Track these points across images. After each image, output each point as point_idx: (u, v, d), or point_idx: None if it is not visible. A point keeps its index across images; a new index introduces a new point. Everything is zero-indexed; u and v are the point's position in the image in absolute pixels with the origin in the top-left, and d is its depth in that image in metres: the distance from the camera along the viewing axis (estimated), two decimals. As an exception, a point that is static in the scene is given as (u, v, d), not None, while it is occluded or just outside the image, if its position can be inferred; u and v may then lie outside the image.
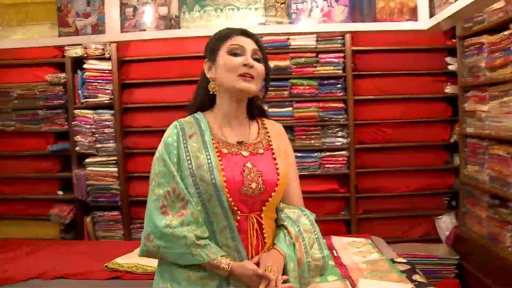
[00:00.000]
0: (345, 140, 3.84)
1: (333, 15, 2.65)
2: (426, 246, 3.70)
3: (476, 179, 3.36)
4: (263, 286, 1.32)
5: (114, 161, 3.89)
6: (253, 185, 1.42)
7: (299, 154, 3.84)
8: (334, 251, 2.51)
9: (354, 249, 2.54)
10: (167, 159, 1.42)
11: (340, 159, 3.84)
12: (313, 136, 3.86)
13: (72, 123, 3.90)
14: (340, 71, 3.81)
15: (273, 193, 1.45)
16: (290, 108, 3.85)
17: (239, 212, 1.42)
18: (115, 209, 3.91)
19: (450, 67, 3.78)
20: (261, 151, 1.49)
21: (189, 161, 1.41)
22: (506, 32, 2.90)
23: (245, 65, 1.42)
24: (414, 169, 3.88)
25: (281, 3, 2.66)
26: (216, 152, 1.44)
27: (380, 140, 3.88)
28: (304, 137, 3.86)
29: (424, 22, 2.61)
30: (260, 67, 1.46)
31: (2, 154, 4.05)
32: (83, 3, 2.73)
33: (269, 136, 1.55)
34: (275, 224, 1.53)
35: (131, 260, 2.50)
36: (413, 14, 2.64)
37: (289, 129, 3.87)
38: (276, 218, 1.54)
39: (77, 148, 3.91)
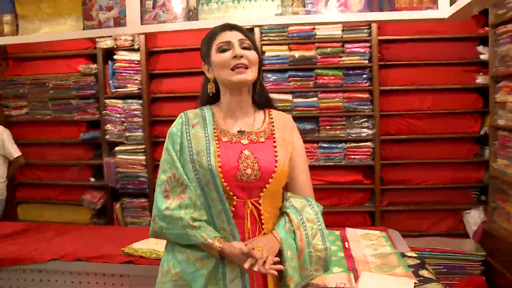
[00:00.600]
0: (370, 131, 3.78)
1: (350, 4, 2.59)
2: (452, 241, 3.61)
3: (506, 173, 3.23)
4: (248, 264, 1.36)
5: (142, 150, 4.01)
6: (249, 171, 1.48)
7: (324, 145, 3.84)
8: (346, 243, 2.49)
9: (367, 242, 2.51)
10: (170, 148, 1.52)
11: (365, 150, 3.80)
12: (338, 127, 3.83)
13: (103, 112, 4.05)
14: (366, 61, 3.75)
15: (270, 180, 1.49)
16: (315, 99, 3.82)
17: (235, 197, 1.48)
18: (142, 196, 4.04)
19: (482, 57, 3.63)
20: (262, 139, 1.56)
21: (190, 148, 1.50)
22: (539, 19, 2.76)
23: (234, 57, 1.49)
24: (442, 162, 3.77)
25: (298, -7, 2.64)
26: (216, 140, 1.51)
27: (406, 131, 3.79)
28: (329, 127, 3.83)
29: (445, 10, 2.51)
30: (251, 54, 1.52)
31: (39, 142, 4.27)
32: (106, -3, 2.81)
33: (273, 126, 1.60)
34: (280, 213, 1.58)
35: (147, 245, 2.58)
36: (433, 2, 2.55)
37: (314, 119, 3.86)
38: (281, 206, 1.59)
39: (107, 137, 4.06)
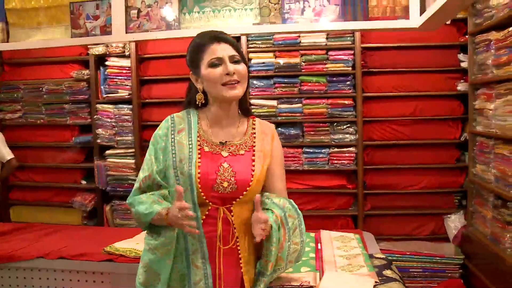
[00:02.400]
0: (353, 137, 3.87)
1: (325, 14, 2.70)
2: (433, 244, 3.69)
3: (483, 179, 3.31)
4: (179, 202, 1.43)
5: (132, 153, 4.11)
6: (225, 184, 1.56)
7: (308, 150, 3.92)
8: (319, 244, 2.57)
9: (338, 244, 2.59)
10: (152, 149, 1.62)
11: (349, 155, 3.88)
12: (322, 132, 3.92)
13: (95, 116, 4.16)
14: (350, 68, 3.84)
15: (244, 192, 1.57)
16: (300, 105, 3.91)
17: (210, 203, 1.57)
18: (132, 198, 4.13)
19: (463, 64, 3.72)
20: (242, 152, 1.62)
21: (173, 154, 1.57)
22: (510, 29, 2.84)
23: (227, 74, 1.55)
24: (424, 167, 3.85)
25: (275, 4, 2.74)
26: (198, 148, 1.58)
27: (389, 137, 3.87)
28: (313, 133, 3.92)
29: (415, 19, 2.60)
30: (241, 68, 1.58)
31: (33, 145, 4.38)
32: (93, 7, 2.92)
33: (254, 137, 1.67)
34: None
35: (128, 245, 2.69)
36: (405, 12, 2.64)
37: (298, 125, 3.95)
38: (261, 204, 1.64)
39: (98, 141, 4.17)
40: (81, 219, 4.21)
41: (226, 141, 1.62)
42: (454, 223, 3.70)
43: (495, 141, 3.13)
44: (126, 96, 4.11)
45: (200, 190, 1.54)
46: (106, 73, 4.13)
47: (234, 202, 1.58)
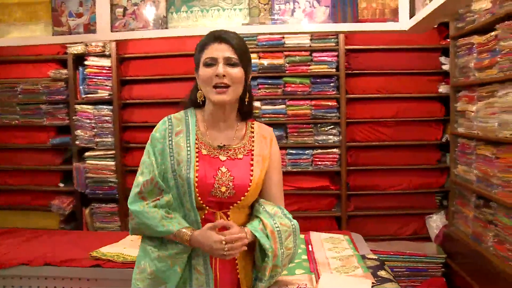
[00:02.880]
0: (337, 138, 3.89)
1: (315, 15, 2.70)
2: (415, 244, 3.74)
3: (465, 179, 3.38)
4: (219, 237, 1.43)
5: (112, 155, 4.02)
6: (223, 188, 1.53)
7: (291, 151, 3.91)
8: (310, 246, 2.57)
9: (329, 245, 2.59)
10: (151, 151, 1.57)
11: (332, 156, 3.90)
12: (305, 134, 3.92)
13: (73, 117, 4.04)
14: (334, 70, 3.86)
15: (242, 197, 1.55)
16: (284, 106, 3.91)
17: (207, 207, 1.54)
18: (112, 201, 4.05)
19: (444, 67, 3.79)
20: (240, 156, 1.60)
21: (171, 157, 1.54)
22: (492, 33, 2.91)
23: (217, 75, 1.51)
24: (407, 168, 3.90)
25: (265, 4, 2.72)
26: (196, 151, 1.55)
27: (372, 138, 3.91)
28: (296, 134, 3.92)
29: (405, 22, 2.63)
30: (234, 72, 1.52)
31: (7, 147, 4.21)
32: (76, 4, 2.83)
33: (253, 142, 1.64)
34: (250, 218, 1.64)
35: (114, 249, 2.62)
36: (394, 15, 2.67)
37: (282, 126, 3.94)
38: (252, 212, 1.65)
39: (77, 142, 4.06)
40: (58, 223, 4.07)
41: (224, 145, 1.59)
42: (436, 222, 3.77)
43: (477, 143, 3.21)
44: (106, 97, 4.01)
45: (198, 194, 1.52)
46: (85, 73, 4.02)
47: (231, 207, 1.56)
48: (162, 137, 1.57)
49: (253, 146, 1.63)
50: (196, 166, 1.53)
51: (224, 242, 1.43)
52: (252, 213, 1.66)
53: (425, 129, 3.88)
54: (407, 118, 3.87)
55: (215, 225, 1.46)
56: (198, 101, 1.61)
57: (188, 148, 1.55)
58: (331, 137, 3.90)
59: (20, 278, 2.58)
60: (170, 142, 1.56)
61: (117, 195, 4.01)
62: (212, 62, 1.52)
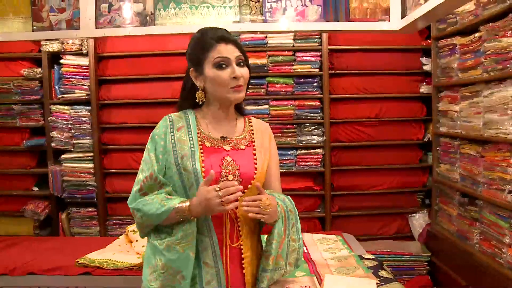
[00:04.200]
0: (320, 138, 3.88)
1: (307, 14, 2.67)
2: (399, 243, 3.77)
3: (448, 178, 3.43)
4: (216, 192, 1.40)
5: (90, 157, 3.88)
6: (230, 177, 1.53)
7: (275, 152, 3.87)
8: (304, 247, 2.54)
9: (324, 246, 2.58)
10: (151, 148, 1.56)
11: (316, 157, 3.89)
12: (289, 134, 3.90)
13: (48, 118, 3.87)
14: (317, 70, 3.85)
15: (249, 186, 1.55)
16: (267, 106, 3.88)
17: None
18: (91, 205, 3.90)
19: (425, 67, 3.85)
20: (242, 147, 1.61)
21: (174, 152, 1.53)
22: (476, 35, 2.97)
23: (234, 77, 1.51)
24: (389, 168, 3.94)
25: (256, 2, 2.68)
26: (200, 144, 1.55)
27: (355, 138, 3.93)
28: (280, 134, 3.88)
29: (396, 22, 2.65)
30: (245, 72, 1.55)
31: (-23, 149, 4.00)
32: (58, -2, 2.71)
33: (253, 134, 1.66)
34: None
35: (103, 255, 2.51)
36: (386, 14, 2.68)
37: (265, 126, 3.90)
38: None
39: (53, 144, 3.89)
40: (33, 229, 3.88)
41: (226, 136, 1.60)
42: (419, 221, 3.82)
43: (461, 142, 3.26)
44: (84, 97, 3.86)
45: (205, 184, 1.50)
46: (61, 72, 3.86)
47: (238, 197, 1.52)
48: (164, 134, 1.56)
49: (253, 138, 1.65)
50: (202, 157, 1.53)
51: (218, 189, 1.41)
52: None
53: (407, 129, 3.93)
54: (389, 118, 3.91)
55: (208, 179, 1.43)
56: (198, 101, 1.60)
57: (191, 142, 1.55)
58: (314, 137, 3.88)
59: (4, 289, 2.43)
60: (172, 137, 1.55)
61: (96, 199, 3.86)
62: (224, 63, 1.52)
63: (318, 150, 3.89)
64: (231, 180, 1.51)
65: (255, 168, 1.58)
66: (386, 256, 3.53)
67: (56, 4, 2.73)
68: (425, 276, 3.54)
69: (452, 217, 3.37)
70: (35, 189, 3.99)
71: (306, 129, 3.90)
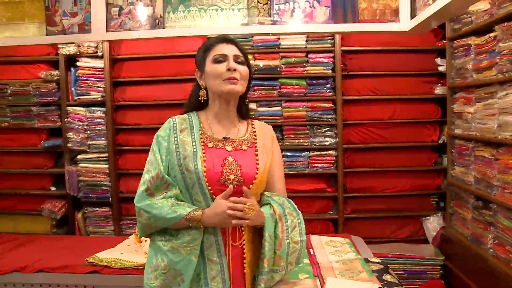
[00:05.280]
0: (333, 140, 3.85)
1: (315, 16, 2.66)
2: (412, 246, 3.72)
3: (463, 181, 3.37)
4: (229, 203, 1.48)
5: (105, 158, 3.95)
6: (232, 176, 1.58)
7: (287, 153, 3.88)
8: (311, 250, 2.53)
9: (331, 248, 2.56)
10: (156, 149, 1.62)
11: (328, 158, 3.87)
12: (301, 136, 3.89)
13: (65, 120, 3.96)
14: (330, 71, 3.83)
15: (251, 186, 1.60)
16: (279, 108, 3.88)
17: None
18: (105, 205, 3.97)
19: (440, 68, 3.79)
20: (244, 147, 1.66)
21: (177, 152, 1.59)
22: (491, 34, 2.91)
23: (228, 69, 1.60)
24: (403, 170, 3.89)
25: (264, 4, 2.68)
26: (202, 145, 1.60)
27: (369, 140, 3.89)
28: (292, 136, 3.88)
29: (405, 23, 2.61)
30: (243, 69, 1.63)
31: (-3, 150, 4.12)
32: (70, 3, 2.76)
33: (255, 135, 1.72)
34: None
35: (111, 255, 2.55)
36: (395, 15, 2.64)
37: (278, 128, 3.91)
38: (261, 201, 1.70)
39: (69, 145, 3.97)
40: (50, 228, 3.98)
41: (228, 137, 1.66)
42: (433, 224, 3.76)
43: (475, 144, 3.20)
44: (99, 99, 3.94)
45: (207, 184, 1.56)
46: (77, 74, 3.95)
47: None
48: (167, 135, 1.62)
49: (255, 139, 1.70)
50: (203, 157, 1.58)
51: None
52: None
53: (421, 131, 3.87)
54: (403, 120, 3.86)
55: (227, 193, 1.50)
56: (200, 98, 1.68)
57: (194, 143, 1.60)
58: (327, 139, 3.87)
59: (14, 286, 2.49)
60: (175, 139, 1.61)
61: (110, 199, 3.93)
62: (222, 59, 1.61)
63: (330, 152, 3.87)
64: (232, 180, 1.57)
65: (257, 169, 1.62)
66: (398, 259, 3.50)
67: (68, 9, 2.78)
68: (439, 280, 3.49)
69: (467, 220, 3.31)
70: (53, 188, 4.09)
71: (319, 130, 3.88)
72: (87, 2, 2.75)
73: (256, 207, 1.54)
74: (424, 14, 2.38)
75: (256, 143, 1.69)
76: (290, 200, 1.71)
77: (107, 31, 2.77)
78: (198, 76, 1.70)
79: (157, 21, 2.76)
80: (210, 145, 1.62)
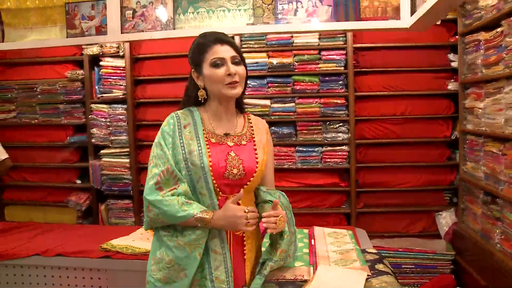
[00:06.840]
0: (346, 136, 3.91)
1: (318, 15, 2.74)
2: (424, 241, 3.74)
3: (473, 176, 3.37)
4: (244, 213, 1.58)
5: (126, 153, 4.14)
6: (235, 170, 1.67)
7: (301, 149, 3.96)
8: (312, 240, 2.62)
9: (331, 239, 2.64)
10: (163, 144, 1.66)
11: (341, 153, 3.93)
12: (315, 131, 3.96)
13: (89, 116, 4.18)
14: (342, 68, 3.89)
15: (251, 178, 1.70)
16: (293, 104, 3.96)
17: (220, 193, 1.67)
18: (127, 197, 4.17)
19: (453, 64, 3.78)
20: (244, 142, 1.74)
21: (182, 148, 1.65)
22: (498, 29, 2.91)
23: (229, 74, 1.65)
24: (416, 165, 3.90)
25: (268, 4, 2.78)
26: (206, 141, 1.68)
27: (381, 135, 3.93)
28: (306, 132, 3.96)
29: (406, 20, 2.66)
30: (241, 70, 1.69)
31: (27, 145, 4.38)
32: (88, 7, 2.95)
33: (252, 130, 1.80)
34: (255, 204, 1.81)
35: (123, 242, 2.72)
36: (396, 12, 2.69)
37: (291, 124, 4.00)
38: (256, 200, 1.82)
39: (93, 140, 4.19)
40: (76, 218, 4.22)
41: (229, 133, 1.74)
42: (445, 220, 3.76)
43: (485, 139, 3.20)
44: (121, 96, 4.13)
45: (213, 178, 1.64)
46: (100, 73, 4.15)
47: (241, 189, 1.66)
48: (172, 131, 1.66)
49: (253, 134, 1.79)
50: (208, 152, 1.65)
51: (247, 211, 1.58)
52: (255, 199, 1.82)
53: (434, 126, 3.88)
54: (416, 116, 3.87)
55: (238, 197, 1.59)
56: (200, 99, 1.73)
57: (198, 138, 1.66)
58: (340, 134, 3.93)
59: (36, 268, 2.72)
60: (179, 134, 1.66)
61: (131, 191, 4.13)
62: (220, 62, 1.64)
63: (343, 147, 3.93)
64: (235, 174, 1.66)
65: (257, 163, 1.72)
66: (409, 253, 3.53)
67: (87, 13, 2.97)
68: (449, 275, 3.49)
69: (477, 216, 3.31)
70: (78, 181, 4.32)
71: (332, 126, 3.95)
72: (104, 6, 2.93)
73: (286, 217, 1.67)
74: (421, 9, 2.43)
75: (254, 137, 1.77)
76: (282, 192, 1.85)
77: (121, 33, 2.94)
78: (195, 77, 1.73)
79: (168, 22, 2.91)
80: (213, 140, 1.68)
